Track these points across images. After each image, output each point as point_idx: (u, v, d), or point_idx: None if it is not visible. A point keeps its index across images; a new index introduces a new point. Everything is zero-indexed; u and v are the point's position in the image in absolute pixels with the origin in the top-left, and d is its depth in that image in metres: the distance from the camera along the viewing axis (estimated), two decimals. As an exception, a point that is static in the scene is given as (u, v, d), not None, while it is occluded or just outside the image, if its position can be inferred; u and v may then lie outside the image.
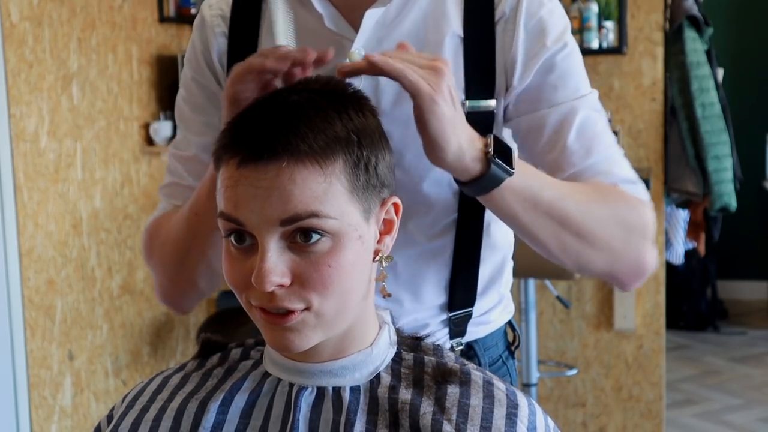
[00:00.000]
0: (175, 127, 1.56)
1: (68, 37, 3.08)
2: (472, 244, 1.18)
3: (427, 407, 0.92)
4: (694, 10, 3.41)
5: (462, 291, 1.19)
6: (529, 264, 2.75)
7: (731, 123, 3.53)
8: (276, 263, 0.87)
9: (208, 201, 1.08)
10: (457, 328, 1.21)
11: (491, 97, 1.13)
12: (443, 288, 1.19)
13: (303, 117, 0.88)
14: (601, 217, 1.10)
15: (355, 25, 1.13)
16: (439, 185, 1.13)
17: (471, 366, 0.98)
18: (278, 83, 0.98)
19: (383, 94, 1.10)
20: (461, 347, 1.21)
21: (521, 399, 0.95)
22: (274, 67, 0.96)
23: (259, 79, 0.98)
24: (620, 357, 3.44)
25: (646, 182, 3.15)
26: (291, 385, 0.96)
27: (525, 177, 1.04)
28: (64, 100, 3.07)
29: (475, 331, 1.23)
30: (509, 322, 1.31)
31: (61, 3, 3.04)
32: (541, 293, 3.41)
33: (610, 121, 3.36)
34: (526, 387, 3.11)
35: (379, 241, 0.95)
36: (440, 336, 1.19)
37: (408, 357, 0.99)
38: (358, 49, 1.06)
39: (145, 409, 0.99)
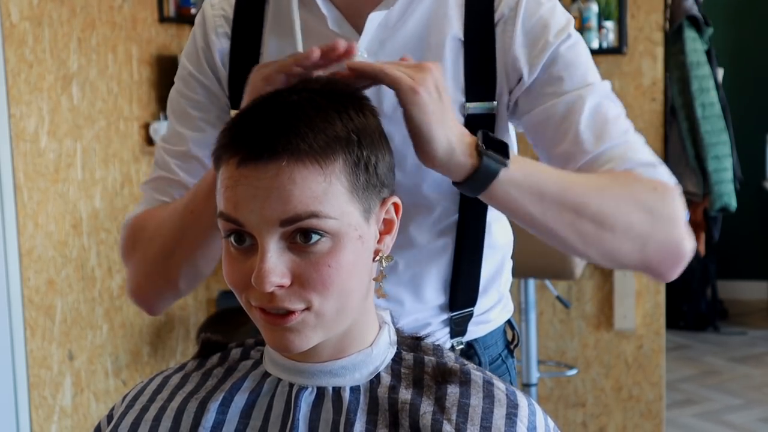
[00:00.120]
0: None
1: (68, 37, 3.08)
2: (473, 245, 1.18)
3: (427, 407, 0.92)
4: (694, 10, 3.41)
5: (463, 291, 1.19)
6: (529, 264, 2.75)
7: (731, 123, 3.53)
8: (276, 264, 0.87)
9: (206, 200, 1.07)
10: (458, 327, 1.21)
11: (492, 99, 1.13)
12: (444, 288, 1.19)
13: (303, 117, 0.88)
14: (618, 201, 1.06)
15: (358, 28, 1.13)
16: (440, 187, 1.13)
17: (471, 366, 0.98)
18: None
19: (385, 96, 1.10)
20: (462, 346, 1.22)
21: (521, 399, 0.95)
22: (303, 69, 0.98)
23: (288, 81, 0.99)
24: (620, 357, 3.44)
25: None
26: (291, 385, 0.96)
27: (525, 168, 1.03)
28: (64, 100, 3.07)
29: (475, 330, 1.23)
30: (508, 321, 1.31)
31: (61, 3, 3.04)
32: (541, 293, 3.41)
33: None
34: (526, 387, 3.11)
35: (379, 241, 0.95)
36: (441, 336, 1.19)
37: (408, 357, 0.99)
38: (361, 52, 1.07)
39: (145, 409, 0.99)
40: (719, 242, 4.18)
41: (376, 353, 0.97)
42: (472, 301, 1.21)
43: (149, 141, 3.51)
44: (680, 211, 1.08)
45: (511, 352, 1.31)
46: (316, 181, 0.87)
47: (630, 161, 1.09)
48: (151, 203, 1.21)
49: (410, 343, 1.01)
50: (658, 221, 1.06)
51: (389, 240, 0.96)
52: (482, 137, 1.01)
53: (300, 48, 1.13)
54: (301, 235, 0.87)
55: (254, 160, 0.86)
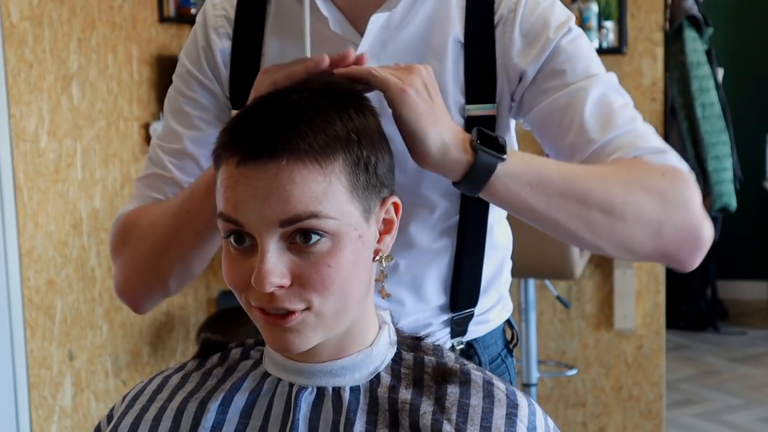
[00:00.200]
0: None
1: (68, 37, 3.08)
2: (475, 246, 1.18)
3: (426, 407, 0.92)
4: (694, 10, 3.41)
5: (464, 292, 1.19)
6: (529, 264, 2.76)
7: (731, 123, 3.52)
8: (275, 264, 0.87)
9: (203, 201, 1.07)
10: (459, 327, 1.21)
11: (492, 101, 1.13)
12: (446, 289, 1.19)
13: (303, 116, 0.88)
14: (625, 188, 1.02)
15: (360, 29, 1.13)
16: (441, 188, 1.13)
17: (471, 366, 0.98)
18: None
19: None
20: (462, 346, 1.22)
21: (521, 399, 0.95)
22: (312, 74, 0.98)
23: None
24: (620, 357, 3.44)
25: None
26: (291, 385, 0.96)
27: (524, 161, 1.02)
28: (64, 100, 3.07)
29: (474, 330, 1.23)
30: (508, 321, 1.31)
31: (61, 3, 3.04)
32: (541, 293, 3.41)
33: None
34: (526, 387, 3.11)
35: (379, 241, 0.95)
36: (441, 336, 1.19)
37: (408, 357, 0.99)
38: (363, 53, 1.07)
39: (144, 409, 0.99)
40: (719, 242, 4.16)
41: (376, 353, 0.97)
42: (473, 302, 1.21)
43: (149, 141, 3.51)
44: (694, 196, 1.05)
45: (510, 352, 1.31)
46: (315, 180, 0.87)
47: (639, 149, 1.06)
48: (143, 200, 1.20)
49: (410, 343, 1.01)
50: (671, 206, 1.03)
51: (389, 240, 0.96)
52: (477, 134, 1.01)
53: (308, 52, 1.12)
54: (300, 235, 0.87)
55: (254, 159, 0.86)
